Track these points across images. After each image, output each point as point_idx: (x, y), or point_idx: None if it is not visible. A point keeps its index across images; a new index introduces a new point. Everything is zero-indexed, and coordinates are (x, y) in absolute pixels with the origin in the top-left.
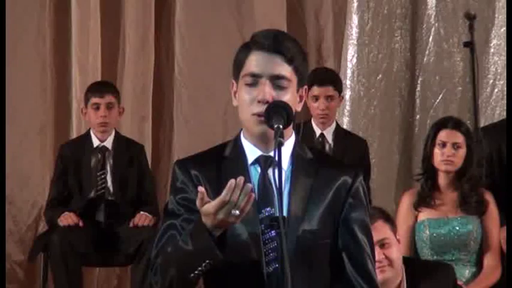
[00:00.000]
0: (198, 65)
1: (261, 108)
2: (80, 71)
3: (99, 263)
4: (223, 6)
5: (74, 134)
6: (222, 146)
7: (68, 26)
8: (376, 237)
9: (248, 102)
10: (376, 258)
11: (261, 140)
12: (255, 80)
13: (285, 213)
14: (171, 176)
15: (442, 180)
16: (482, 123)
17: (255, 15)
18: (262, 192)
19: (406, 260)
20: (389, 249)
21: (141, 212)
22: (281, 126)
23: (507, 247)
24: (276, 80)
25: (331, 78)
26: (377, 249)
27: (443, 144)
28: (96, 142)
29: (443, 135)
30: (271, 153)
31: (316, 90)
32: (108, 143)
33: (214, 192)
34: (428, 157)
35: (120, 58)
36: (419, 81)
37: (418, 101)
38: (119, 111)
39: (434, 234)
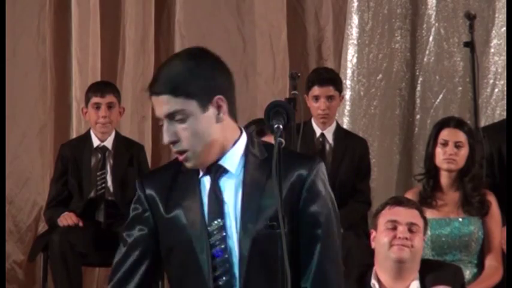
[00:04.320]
0: None
1: (174, 149)
2: (80, 71)
3: (99, 263)
4: (223, 6)
5: (74, 134)
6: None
7: (68, 26)
8: (408, 219)
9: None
10: (402, 235)
11: (200, 168)
12: (161, 122)
13: (238, 219)
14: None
15: (444, 179)
16: (483, 123)
17: (255, 15)
18: (212, 203)
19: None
20: (415, 235)
21: None
22: (281, 126)
23: (507, 247)
24: (173, 116)
25: (331, 78)
26: (404, 228)
27: (445, 143)
28: (96, 142)
29: (445, 134)
30: (220, 161)
31: (316, 90)
32: (108, 143)
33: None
34: (430, 156)
35: (120, 58)
36: (419, 81)
37: (418, 101)
38: (119, 111)
39: (436, 235)
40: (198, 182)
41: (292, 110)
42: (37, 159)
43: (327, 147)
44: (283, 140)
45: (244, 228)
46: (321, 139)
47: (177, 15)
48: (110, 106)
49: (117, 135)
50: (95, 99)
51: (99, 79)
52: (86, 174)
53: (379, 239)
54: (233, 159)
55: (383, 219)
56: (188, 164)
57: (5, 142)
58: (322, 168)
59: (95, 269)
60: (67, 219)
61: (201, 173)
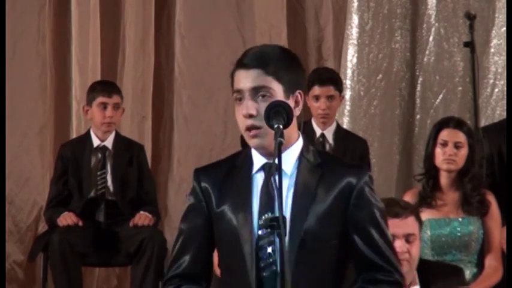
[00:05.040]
0: (198, 65)
1: (248, 123)
2: (80, 71)
3: (99, 263)
4: (223, 6)
5: (74, 134)
6: (237, 154)
7: (68, 26)
8: (405, 231)
9: (239, 120)
10: (400, 250)
11: (261, 150)
12: (240, 95)
13: (288, 216)
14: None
15: (443, 180)
16: (483, 123)
17: (255, 15)
18: (264, 198)
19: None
20: (412, 245)
21: (141, 212)
22: (281, 126)
23: (507, 247)
24: (257, 91)
25: (332, 78)
26: (402, 242)
27: (445, 144)
28: (96, 142)
29: (444, 134)
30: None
31: (317, 90)
32: (109, 143)
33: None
34: (429, 157)
35: (120, 58)
36: (419, 81)
37: (418, 101)
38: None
39: (436, 235)
40: (250, 178)
41: (292, 110)
42: (37, 159)
43: (327, 147)
44: (283, 140)
45: (293, 227)
46: (321, 139)
47: (177, 16)
48: (116, 107)
49: (117, 135)
50: (101, 99)
51: (99, 79)
52: (86, 174)
53: None
54: (289, 160)
55: None
56: (255, 141)
57: (5, 142)
58: (370, 178)
59: (95, 269)
60: (66, 219)
61: (254, 170)
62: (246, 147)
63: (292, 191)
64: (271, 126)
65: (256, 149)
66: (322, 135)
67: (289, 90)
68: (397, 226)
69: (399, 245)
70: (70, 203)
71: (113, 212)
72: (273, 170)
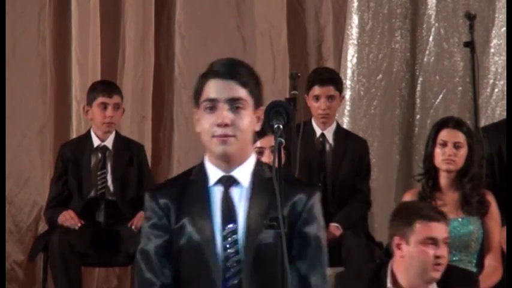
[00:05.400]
0: (198, 65)
1: (220, 132)
2: (80, 71)
3: (99, 263)
4: (223, 6)
5: (74, 134)
6: (190, 170)
7: (68, 26)
8: (445, 235)
9: (208, 127)
10: (440, 254)
11: (223, 160)
12: (213, 104)
13: (242, 228)
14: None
15: (443, 180)
16: (483, 123)
17: (255, 15)
18: (225, 210)
19: None
20: (446, 249)
21: (142, 212)
22: (281, 126)
23: (507, 247)
24: (233, 102)
25: (332, 78)
26: (443, 248)
27: (444, 144)
28: (96, 142)
29: (444, 134)
30: (232, 173)
31: (317, 90)
32: (109, 143)
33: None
34: (429, 157)
35: (120, 58)
36: (419, 81)
37: (418, 101)
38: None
39: None
40: (207, 191)
41: (292, 110)
42: (37, 159)
43: (327, 147)
44: (283, 140)
45: (248, 239)
46: (321, 139)
47: (177, 16)
48: (116, 107)
49: (117, 135)
50: (102, 99)
51: (99, 79)
52: (86, 174)
53: (418, 254)
54: (244, 174)
55: (421, 234)
56: (223, 148)
57: (5, 142)
58: (319, 197)
59: (95, 269)
60: (66, 216)
61: (211, 183)
62: None
63: (248, 203)
64: (271, 126)
65: (219, 157)
66: (322, 135)
67: (256, 105)
68: (438, 230)
69: (441, 250)
70: (70, 203)
71: (113, 212)
72: (234, 183)
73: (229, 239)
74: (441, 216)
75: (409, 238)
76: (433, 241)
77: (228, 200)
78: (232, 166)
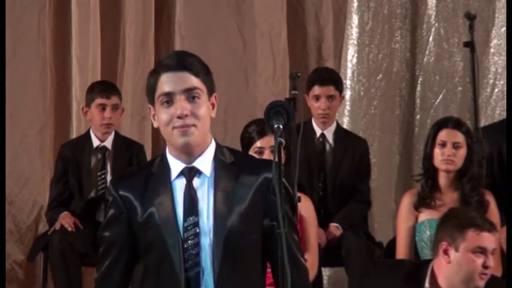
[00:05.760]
0: None
1: (180, 123)
2: (80, 71)
3: None
4: (223, 6)
5: (74, 134)
6: (151, 162)
7: (68, 26)
8: (493, 246)
9: (167, 120)
10: (488, 264)
11: (184, 152)
12: (169, 98)
13: (212, 216)
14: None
15: (442, 180)
16: (483, 123)
17: (255, 15)
18: (187, 202)
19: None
20: (493, 259)
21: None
22: (281, 126)
23: (507, 247)
24: (189, 93)
25: (332, 78)
26: (491, 258)
27: (444, 144)
28: (96, 142)
29: (443, 134)
30: (194, 164)
31: (317, 90)
32: (108, 143)
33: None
34: (428, 157)
35: (120, 58)
36: (419, 81)
37: (418, 101)
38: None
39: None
40: (170, 183)
41: (292, 110)
42: (37, 159)
43: (327, 147)
44: (283, 140)
45: (217, 227)
46: (321, 139)
47: (177, 16)
48: (114, 108)
49: (117, 135)
50: (100, 100)
51: (99, 79)
52: (86, 175)
53: (467, 261)
54: (206, 162)
55: (472, 243)
56: (185, 139)
57: (5, 142)
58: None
59: (95, 269)
60: (65, 219)
61: (173, 176)
62: (246, 149)
63: (212, 191)
64: (272, 126)
65: (181, 148)
66: (322, 135)
67: (209, 93)
68: (488, 240)
69: (491, 261)
70: (71, 203)
71: None
72: (197, 174)
73: (191, 231)
74: (492, 227)
75: (458, 245)
76: (483, 251)
77: (190, 192)
78: (193, 156)
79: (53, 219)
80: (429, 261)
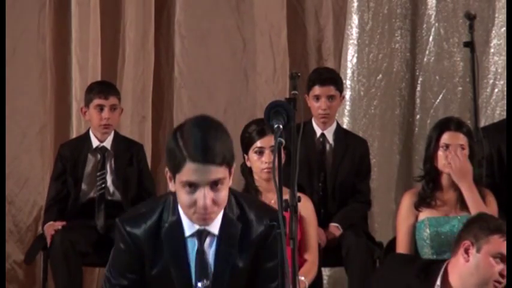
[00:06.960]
0: (198, 65)
1: (202, 213)
2: (80, 71)
3: (99, 263)
4: (223, 6)
5: (74, 134)
6: (160, 213)
7: (68, 26)
8: (501, 251)
9: (189, 204)
10: (503, 273)
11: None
12: (194, 187)
13: (212, 272)
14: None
15: (444, 180)
16: (482, 123)
17: (255, 15)
18: (199, 265)
19: None
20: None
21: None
22: (281, 126)
23: (507, 247)
24: (213, 184)
25: (332, 78)
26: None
27: (447, 147)
28: (95, 142)
29: (446, 138)
30: (207, 227)
31: (317, 90)
32: (108, 143)
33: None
34: (430, 159)
35: (120, 58)
36: (419, 81)
37: (418, 101)
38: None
39: (435, 233)
40: (184, 242)
41: (292, 110)
42: (37, 159)
43: (327, 147)
44: (283, 140)
45: (216, 283)
46: (321, 139)
47: (177, 16)
48: (113, 108)
49: (116, 135)
50: (98, 101)
51: (99, 79)
52: (85, 174)
53: (485, 265)
54: (216, 222)
55: (495, 248)
56: (206, 223)
57: (5, 142)
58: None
59: (95, 269)
60: (49, 230)
61: (187, 234)
62: (246, 149)
63: (215, 252)
64: (272, 126)
65: (199, 224)
66: (322, 135)
67: (230, 169)
68: (505, 248)
69: (505, 270)
70: (69, 203)
71: (113, 212)
72: (209, 236)
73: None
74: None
75: (481, 246)
76: (503, 258)
77: (203, 257)
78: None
79: (44, 223)
80: (444, 260)
